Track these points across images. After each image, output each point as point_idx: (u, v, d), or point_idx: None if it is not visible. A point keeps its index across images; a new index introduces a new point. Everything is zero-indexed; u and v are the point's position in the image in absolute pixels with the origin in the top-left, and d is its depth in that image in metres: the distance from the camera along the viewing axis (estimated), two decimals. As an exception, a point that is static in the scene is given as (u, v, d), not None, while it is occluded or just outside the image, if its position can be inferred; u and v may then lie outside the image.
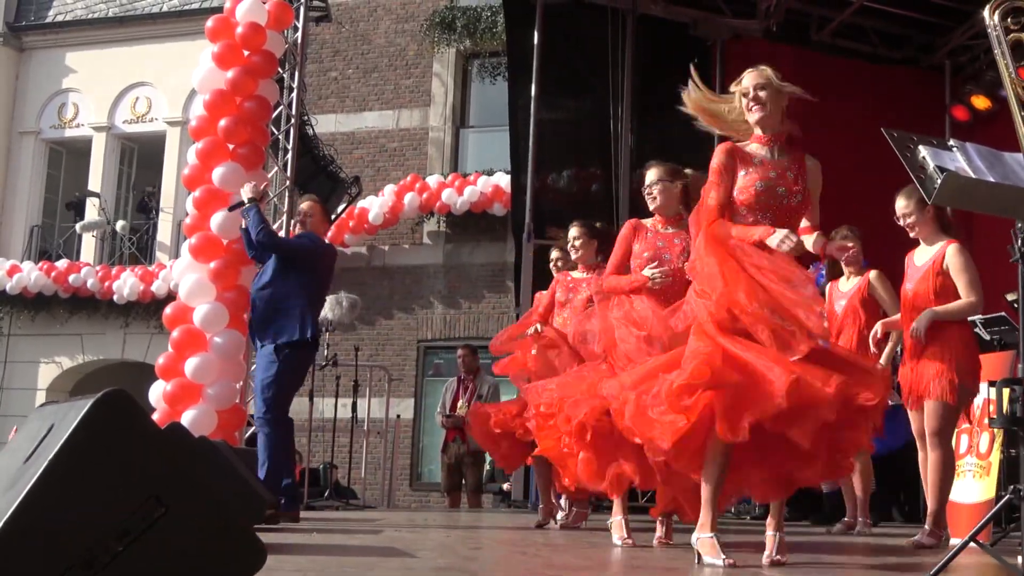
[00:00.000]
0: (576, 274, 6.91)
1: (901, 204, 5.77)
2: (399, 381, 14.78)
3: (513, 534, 6.56)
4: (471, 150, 16.39)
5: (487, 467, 12.66)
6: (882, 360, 6.39)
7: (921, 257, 5.82)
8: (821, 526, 7.88)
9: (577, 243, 6.73)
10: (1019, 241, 3.89)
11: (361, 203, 14.90)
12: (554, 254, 7.58)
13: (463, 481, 11.20)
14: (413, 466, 15.16)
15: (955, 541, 5.25)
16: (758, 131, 4.35)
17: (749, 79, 4.35)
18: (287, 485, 6.67)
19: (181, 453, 2.73)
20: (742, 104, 4.38)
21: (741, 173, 4.25)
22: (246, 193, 7.05)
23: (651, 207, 5.41)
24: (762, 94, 4.28)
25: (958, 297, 5.63)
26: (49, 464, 2.55)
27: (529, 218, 10.50)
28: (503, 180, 14.47)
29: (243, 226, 7.26)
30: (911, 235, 5.86)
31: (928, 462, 5.71)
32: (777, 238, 4.05)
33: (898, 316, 6.04)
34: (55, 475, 2.55)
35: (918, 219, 5.74)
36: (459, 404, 10.70)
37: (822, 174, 4.38)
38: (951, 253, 5.64)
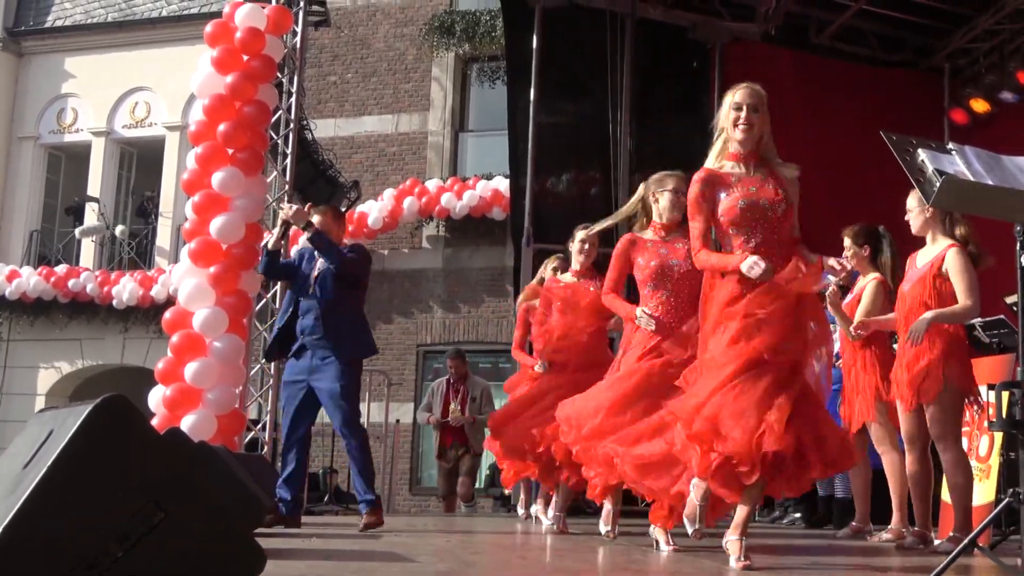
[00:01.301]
0: (567, 277, 6.88)
1: (911, 202, 5.71)
2: (399, 386, 14.75)
3: (513, 538, 6.55)
4: (470, 154, 16.38)
5: (486, 472, 12.64)
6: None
7: (923, 258, 5.76)
8: (816, 527, 7.89)
9: (586, 247, 6.71)
10: (1018, 244, 3.90)
11: (360, 207, 14.90)
12: (553, 264, 7.50)
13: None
14: (413, 471, 15.15)
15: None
16: (735, 148, 4.36)
17: (743, 95, 4.34)
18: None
19: (180, 458, 2.73)
20: (729, 117, 4.37)
21: (722, 195, 4.30)
22: (299, 220, 6.62)
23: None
24: (755, 116, 4.31)
25: (953, 301, 5.53)
26: (48, 470, 2.56)
27: (528, 222, 10.48)
28: (502, 184, 14.46)
29: (265, 244, 7.00)
30: (914, 232, 5.80)
31: (944, 467, 5.63)
32: (747, 265, 4.14)
33: (891, 315, 5.95)
34: (55, 480, 2.55)
35: (923, 218, 5.68)
36: (451, 407, 10.67)
37: (801, 183, 4.43)
38: (951, 256, 5.54)
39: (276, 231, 6.84)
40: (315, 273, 6.66)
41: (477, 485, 11.70)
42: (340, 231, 7.05)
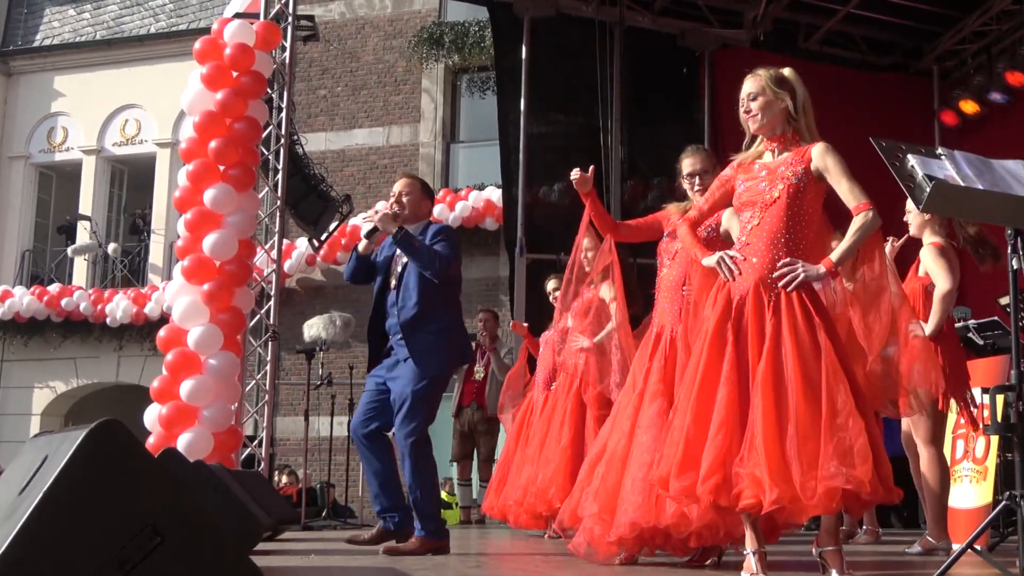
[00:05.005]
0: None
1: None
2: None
3: (513, 552, 6.54)
4: (462, 165, 16.39)
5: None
6: None
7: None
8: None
9: (590, 255, 6.27)
10: (1009, 247, 3.91)
11: (353, 220, 14.86)
12: (551, 285, 7.52)
13: (475, 451, 10.91)
14: (411, 483, 15.10)
15: (955, 547, 5.26)
16: (764, 141, 4.15)
17: (744, 87, 4.14)
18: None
19: (175, 481, 2.73)
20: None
21: (736, 183, 4.12)
22: (388, 226, 5.67)
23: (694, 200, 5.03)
24: (753, 104, 4.08)
25: (929, 298, 5.66)
26: (44, 496, 2.54)
27: (521, 232, 10.50)
28: (495, 194, 14.48)
29: (355, 248, 6.02)
30: (911, 233, 5.86)
31: (921, 464, 5.74)
32: (711, 260, 4.07)
33: None
34: (51, 507, 2.54)
35: (921, 219, 5.75)
36: (475, 368, 10.53)
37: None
38: (924, 252, 5.67)
39: (364, 235, 5.91)
40: (398, 268, 5.83)
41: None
42: (429, 206, 6.11)
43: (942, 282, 5.54)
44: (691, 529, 4.29)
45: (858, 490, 3.59)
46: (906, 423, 5.99)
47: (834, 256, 3.91)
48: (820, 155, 3.99)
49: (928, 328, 5.57)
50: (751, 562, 3.86)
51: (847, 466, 3.59)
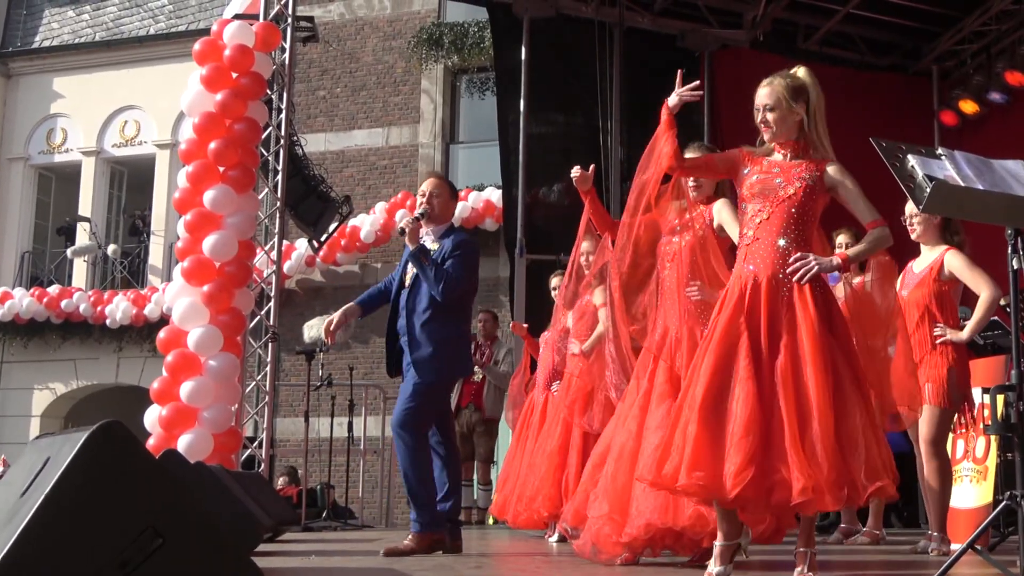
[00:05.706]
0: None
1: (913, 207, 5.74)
2: (394, 399, 14.70)
3: (514, 552, 6.54)
4: (461, 166, 16.37)
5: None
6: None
7: (920, 264, 5.85)
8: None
9: (591, 258, 6.18)
10: (1009, 247, 3.92)
11: (352, 221, 14.88)
12: (554, 281, 7.51)
13: (474, 451, 10.86)
14: (410, 483, 15.09)
15: (954, 547, 5.26)
16: (775, 143, 4.22)
17: (760, 96, 4.19)
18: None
19: (176, 483, 2.73)
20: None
21: (745, 171, 4.17)
22: (412, 241, 5.82)
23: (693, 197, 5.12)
24: (770, 116, 4.14)
25: (953, 304, 5.68)
26: (46, 498, 2.55)
27: (521, 233, 10.49)
28: (494, 195, 14.47)
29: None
30: (912, 237, 5.86)
31: (926, 472, 5.73)
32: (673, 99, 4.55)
33: None
34: (52, 508, 2.55)
35: (926, 224, 5.75)
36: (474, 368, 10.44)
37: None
38: (951, 257, 5.67)
39: (397, 232, 6.04)
40: (412, 270, 5.91)
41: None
42: (454, 208, 6.29)
43: (990, 288, 5.54)
44: (708, 530, 4.32)
45: (879, 490, 3.82)
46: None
47: (851, 252, 4.05)
48: (837, 172, 4.12)
49: (968, 330, 5.61)
50: (717, 552, 3.95)
51: (872, 465, 3.75)
